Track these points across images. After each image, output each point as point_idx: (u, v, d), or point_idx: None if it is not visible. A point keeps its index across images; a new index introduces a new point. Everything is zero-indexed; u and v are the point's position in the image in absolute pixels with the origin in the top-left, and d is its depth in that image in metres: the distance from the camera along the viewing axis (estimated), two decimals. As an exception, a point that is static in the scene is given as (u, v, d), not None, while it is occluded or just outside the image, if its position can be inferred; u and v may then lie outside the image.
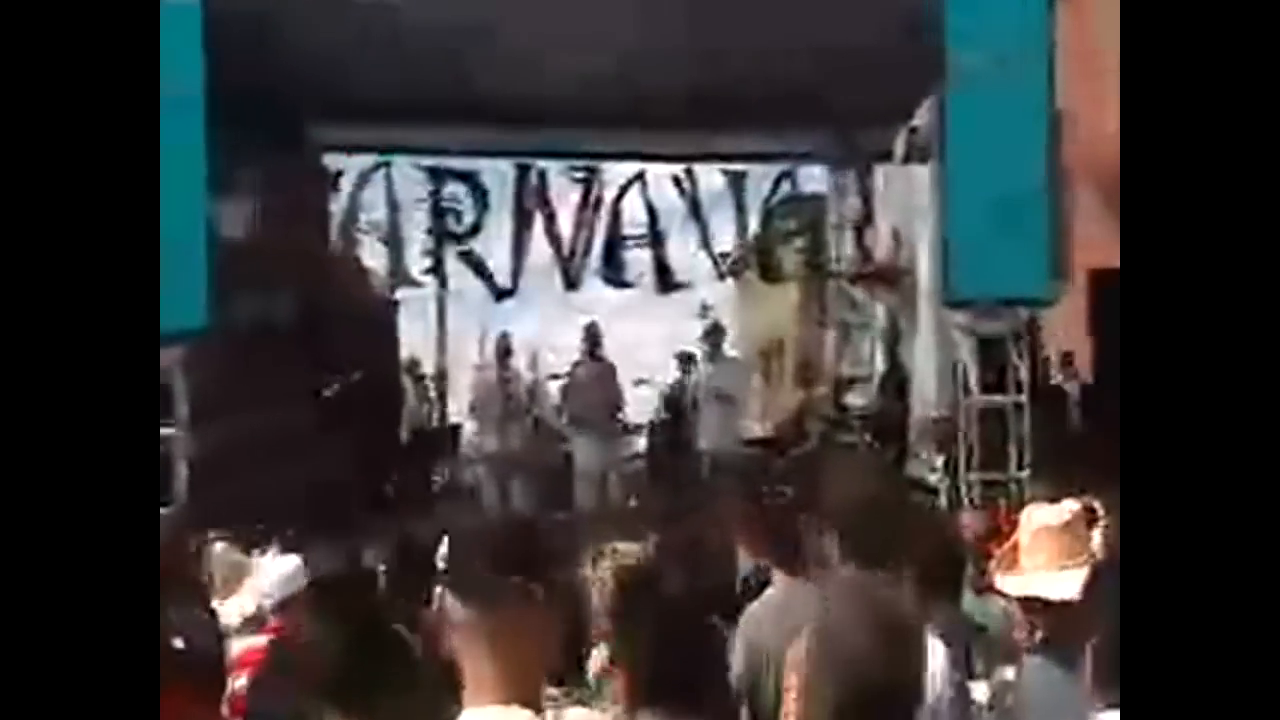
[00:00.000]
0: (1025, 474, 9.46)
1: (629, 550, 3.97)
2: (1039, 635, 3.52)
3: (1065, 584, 3.29)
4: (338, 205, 10.79)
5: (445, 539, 2.32)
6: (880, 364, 12.69)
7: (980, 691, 3.70)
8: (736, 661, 3.62)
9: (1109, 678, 2.19)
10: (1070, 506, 3.64)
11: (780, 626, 3.52)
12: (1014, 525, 3.83)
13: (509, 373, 12.07)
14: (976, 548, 5.25)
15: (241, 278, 9.24)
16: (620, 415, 12.28)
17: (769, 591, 4.24)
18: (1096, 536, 3.60)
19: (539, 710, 2.17)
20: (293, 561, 5.35)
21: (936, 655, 3.15)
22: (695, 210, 11.00)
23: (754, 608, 4.02)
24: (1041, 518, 3.61)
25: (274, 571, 5.29)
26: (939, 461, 10.81)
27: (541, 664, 2.25)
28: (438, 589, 2.23)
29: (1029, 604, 3.56)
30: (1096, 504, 3.73)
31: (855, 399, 12.74)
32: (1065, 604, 3.16)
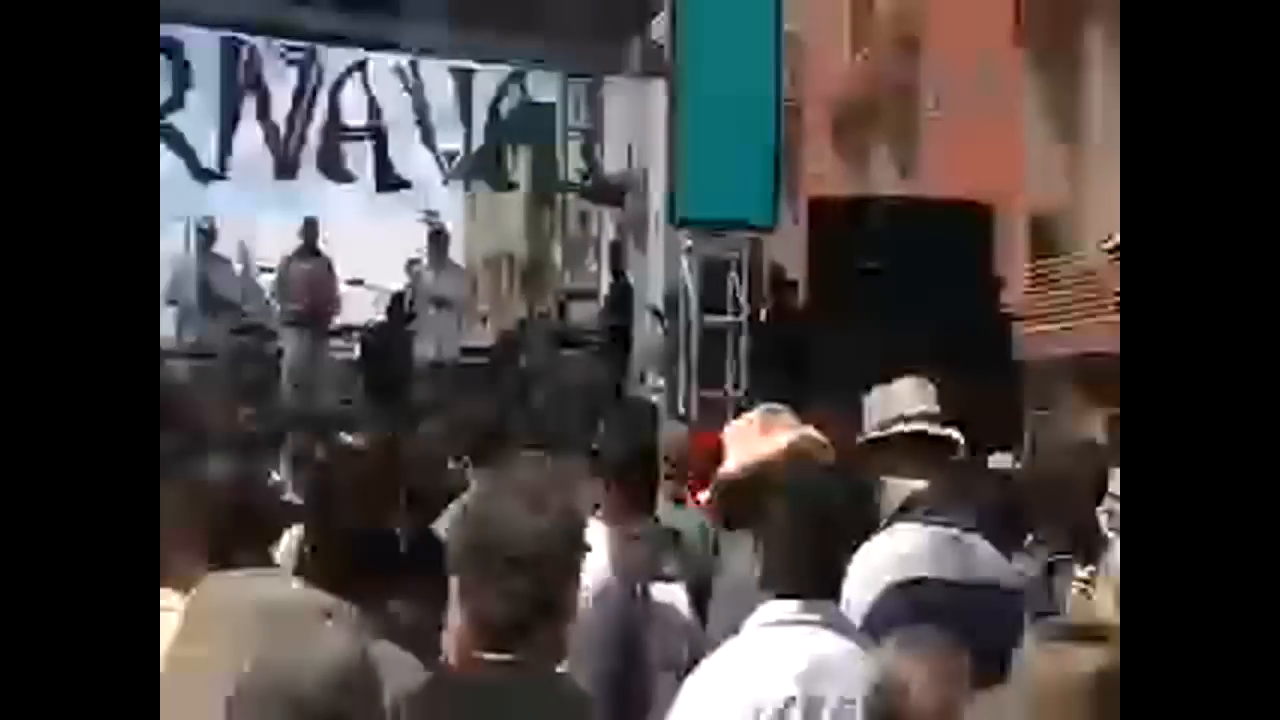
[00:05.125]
0: (741, 393, 9.61)
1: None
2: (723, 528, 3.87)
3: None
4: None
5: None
6: (606, 280, 12.61)
7: (679, 592, 3.83)
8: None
9: (775, 566, 2.85)
10: (750, 415, 3.85)
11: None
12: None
13: (213, 262, 11.43)
14: (690, 460, 5.39)
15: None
16: (335, 314, 11.86)
17: (469, 491, 4.39)
18: (783, 439, 3.75)
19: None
20: None
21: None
22: (419, 107, 10.48)
23: (451, 508, 4.12)
24: (733, 424, 3.90)
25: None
26: (659, 380, 10.90)
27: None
28: None
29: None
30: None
31: (580, 315, 12.67)
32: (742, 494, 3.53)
